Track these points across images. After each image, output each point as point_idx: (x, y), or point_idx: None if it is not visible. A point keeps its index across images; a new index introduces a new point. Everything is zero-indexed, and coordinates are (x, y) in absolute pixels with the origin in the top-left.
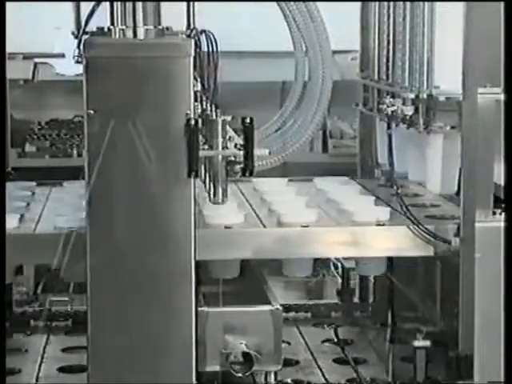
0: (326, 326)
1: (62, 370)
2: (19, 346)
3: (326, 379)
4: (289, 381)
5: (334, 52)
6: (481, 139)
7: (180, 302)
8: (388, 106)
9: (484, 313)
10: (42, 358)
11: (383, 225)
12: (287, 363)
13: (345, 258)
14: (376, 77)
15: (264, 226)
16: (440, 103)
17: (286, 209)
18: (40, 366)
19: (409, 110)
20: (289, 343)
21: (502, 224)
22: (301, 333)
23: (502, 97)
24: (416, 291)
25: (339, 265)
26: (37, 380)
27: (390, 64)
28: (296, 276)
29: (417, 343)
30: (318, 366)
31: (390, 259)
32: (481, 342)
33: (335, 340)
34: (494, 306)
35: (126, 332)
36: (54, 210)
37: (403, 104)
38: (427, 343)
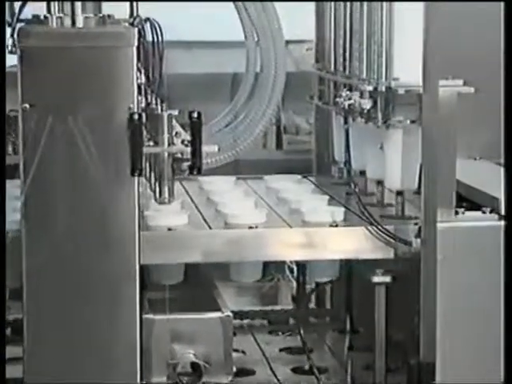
0: (281, 333)
1: None
2: None
3: None
4: None
5: (288, 42)
6: (442, 134)
7: (124, 308)
8: (345, 100)
9: (446, 318)
10: None
11: (336, 225)
12: (243, 373)
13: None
14: (332, 68)
15: (209, 228)
16: (399, 96)
17: (233, 209)
18: None
19: (366, 104)
20: (244, 352)
21: (467, 224)
22: (256, 341)
23: (463, 89)
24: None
25: (294, 268)
26: None
27: (347, 55)
28: (243, 281)
29: (376, 279)
30: (276, 376)
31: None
32: (443, 349)
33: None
34: (456, 311)
35: (66, 341)
36: None
37: (361, 97)
38: (387, 279)
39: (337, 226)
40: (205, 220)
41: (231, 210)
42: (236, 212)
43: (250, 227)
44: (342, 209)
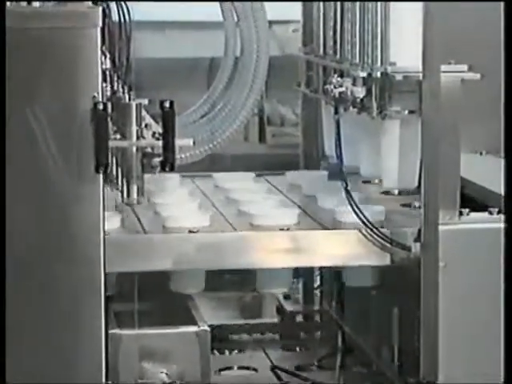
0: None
1: None
2: None
3: None
4: None
5: (272, 22)
6: (444, 125)
7: (87, 322)
8: (335, 87)
9: (449, 332)
10: None
11: (288, 229)
12: None
13: None
14: (321, 52)
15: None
16: (396, 83)
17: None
18: None
19: (360, 92)
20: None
21: (472, 226)
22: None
23: (468, 75)
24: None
25: None
26: None
27: (338, 37)
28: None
29: None
30: None
31: None
32: (446, 366)
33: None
34: (460, 323)
35: (23, 359)
36: None
37: (353, 84)
38: None
39: (288, 229)
40: (141, 224)
41: (171, 213)
42: (176, 214)
43: (191, 231)
44: (297, 211)
